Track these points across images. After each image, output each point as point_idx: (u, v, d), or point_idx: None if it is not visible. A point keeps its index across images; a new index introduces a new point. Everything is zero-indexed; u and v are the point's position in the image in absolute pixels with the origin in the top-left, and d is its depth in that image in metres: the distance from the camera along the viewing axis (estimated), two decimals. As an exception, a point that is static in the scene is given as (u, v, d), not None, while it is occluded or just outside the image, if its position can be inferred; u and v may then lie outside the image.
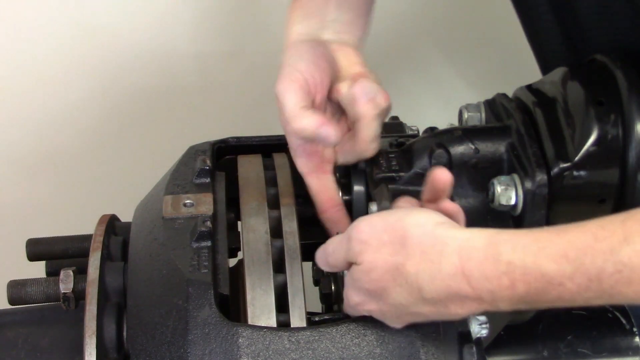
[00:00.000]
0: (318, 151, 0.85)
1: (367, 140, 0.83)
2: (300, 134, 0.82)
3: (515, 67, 1.56)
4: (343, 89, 0.83)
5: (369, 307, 0.72)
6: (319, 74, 0.82)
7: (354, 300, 0.73)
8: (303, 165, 0.86)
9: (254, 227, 0.82)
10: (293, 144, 0.85)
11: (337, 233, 0.80)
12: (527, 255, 0.62)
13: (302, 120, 0.80)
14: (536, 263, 0.61)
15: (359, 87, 0.82)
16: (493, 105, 0.88)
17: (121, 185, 1.50)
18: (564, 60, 0.91)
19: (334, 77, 0.85)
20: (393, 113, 1.01)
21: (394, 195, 0.82)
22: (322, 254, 0.76)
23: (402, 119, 1.00)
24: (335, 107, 0.86)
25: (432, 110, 1.58)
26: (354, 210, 0.88)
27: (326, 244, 0.76)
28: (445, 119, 0.95)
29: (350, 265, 0.73)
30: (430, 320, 0.71)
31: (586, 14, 0.87)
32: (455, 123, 0.92)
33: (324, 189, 0.86)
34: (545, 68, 0.98)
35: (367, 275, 0.70)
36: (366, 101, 0.81)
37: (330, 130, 0.79)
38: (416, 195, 0.82)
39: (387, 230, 0.69)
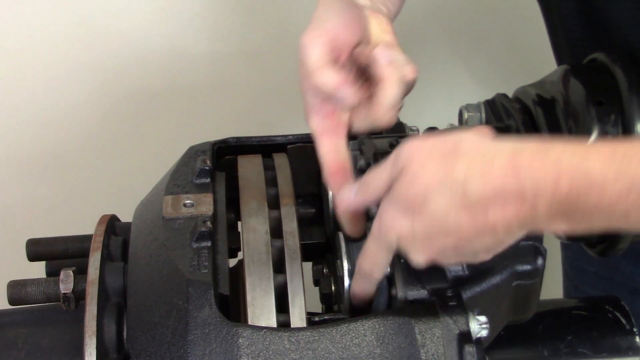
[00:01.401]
0: (335, 112, 0.82)
1: (385, 105, 0.79)
2: (318, 90, 0.79)
3: (516, 67, 1.57)
4: (367, 51, 0.80)
5: (400, 223, 0.69)
6: (346, 33, 0.80)
7: (387, 215, 0.71)
8: (317, 124, 0.83)
9: (254, 227, 0.82)
10: (309, 100, 0.82)
11: None
12: (576, 155, 0.63)
13: (322, 76, 0.78)
14: (583, 162, 0.62)
15: (381, 49, 0.79)
16: (493, 105, 0.88)
17: (121, 185, 1.50)
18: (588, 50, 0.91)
19: (363, 41, 0.82)
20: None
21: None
22: (354, 191, 0.74)
23: (402, 119, 1.00)
24: (359, 72, 0.83)
25: (432, 110, 1.58)
26: (354, 210, 0.88)
27: (364, 178, 0.74)
28: (445, 119, 0.95)
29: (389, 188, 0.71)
30: (461, 248, 0.69)
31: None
32: (455, 123, 0.92)
33: (334, 152, 0.83)
34: (573, 56, 0.99)
35: (410, 184, 0.68)
36: (387, 63, 0.78)
37: (348, 91, 0.78)
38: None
39: (437, 144, 0.69)
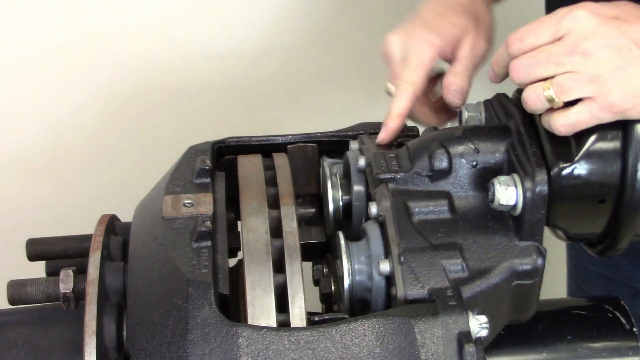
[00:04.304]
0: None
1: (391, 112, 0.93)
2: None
3: (515, 67, 1.56)
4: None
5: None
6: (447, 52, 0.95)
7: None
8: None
9: (254, 227, 0.82)
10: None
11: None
12: None
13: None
14: None
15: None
16: (493, 105, 0.88)
17: (121, 185, 1.50)
18: None
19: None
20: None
21: (394, 195, 0.82)
22: (512, 41, 0.81)
23: (402, 119, 1.00)
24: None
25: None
26: (354, 210, 0.88)
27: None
28: (445, 119, 0.96)
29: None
30: None
31: None
32: (456, 123, 0.92)
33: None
34: None
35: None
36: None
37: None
38: (415, 194, 0.82)
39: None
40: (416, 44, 0.94)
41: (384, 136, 0.92)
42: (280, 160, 0.92)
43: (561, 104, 0.78)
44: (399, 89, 0.93)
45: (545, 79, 0.78)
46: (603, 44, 0.76)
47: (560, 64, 0.77)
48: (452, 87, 0.94)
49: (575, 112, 0.77)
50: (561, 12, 0.78)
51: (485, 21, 0.98)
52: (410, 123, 0.98)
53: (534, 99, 0.79)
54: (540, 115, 0.82)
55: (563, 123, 0.78)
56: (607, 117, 0.77)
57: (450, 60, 0.96)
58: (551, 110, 0.79)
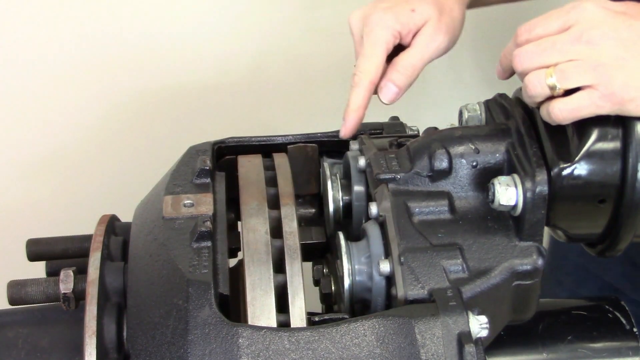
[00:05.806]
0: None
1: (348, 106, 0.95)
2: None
3: (516, 67, 1.56)
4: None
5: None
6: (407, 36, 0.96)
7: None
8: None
9: (254, 227, 0.82)
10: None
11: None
12: None
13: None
14: None
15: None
16: (493, 105, 0.89)
17: (121, 185, 1.50)
18: None
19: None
20: (393, 113, 1.02)
21: (394, 196, 0.82)
22: (521, 33, 0.81)
23: (402, 119, 1.00)
24: None
25: (432, 110, 1.58)
26: (354, 210, 0.88)
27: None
28: (445, 119, 0.96)
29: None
30: None
31: None
32: (455, 123, 0.92)
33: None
34: None
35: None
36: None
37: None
38: (415, 194, 0.83)
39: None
40: (372, 27, 0.94)
41: (344, 131, 0.94)
42: (280, 160, 0.92)
43: (562, 91, 0.78)
44: (355, 80, 0.94)
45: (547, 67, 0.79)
46: (608, 34, 0.76)
47: (565, 52, 0.77)
48: (388, 85, 0.94)
49: (575, 97, 0.78)
50: (570, 5, 0.79)
51: (452, 16, 0.97)
52: (410, 123, 0.98)
53: (535, 84, 0.79)
54: (539, 109, 0.82)
55: (561, 107, 0.78)
56: (606, 107, 0.77)
57: (407, 46, 0.96)
58: (550, 98, 0.79)
